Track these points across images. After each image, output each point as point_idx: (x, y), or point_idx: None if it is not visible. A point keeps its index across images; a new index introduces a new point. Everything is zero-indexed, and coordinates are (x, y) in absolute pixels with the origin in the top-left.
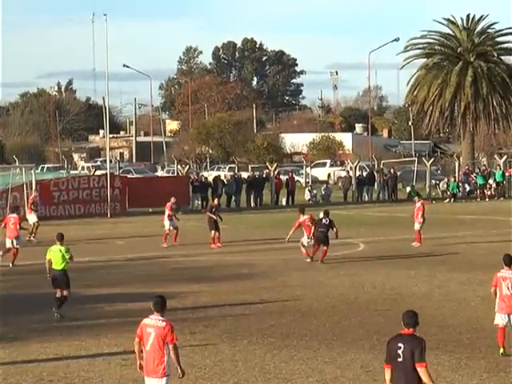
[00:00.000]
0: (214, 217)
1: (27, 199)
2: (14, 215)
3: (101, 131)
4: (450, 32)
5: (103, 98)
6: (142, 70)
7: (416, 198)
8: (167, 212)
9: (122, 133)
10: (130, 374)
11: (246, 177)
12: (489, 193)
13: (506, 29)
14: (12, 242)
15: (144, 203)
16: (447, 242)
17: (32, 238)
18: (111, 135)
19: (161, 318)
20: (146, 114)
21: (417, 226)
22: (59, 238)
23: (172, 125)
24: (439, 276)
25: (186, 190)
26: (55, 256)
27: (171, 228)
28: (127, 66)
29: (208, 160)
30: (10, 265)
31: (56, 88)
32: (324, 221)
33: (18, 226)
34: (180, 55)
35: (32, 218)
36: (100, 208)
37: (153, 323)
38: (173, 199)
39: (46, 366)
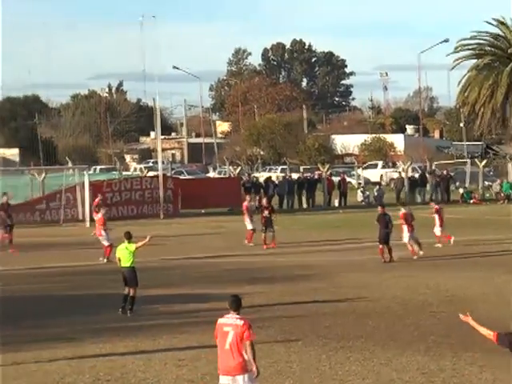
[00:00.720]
0: (271, 216)
1: (81, 200)
2: (99, 215)
3: (152, 132)
4: (500, 33)
5: (154, 100)
6: (192, 72)
7: (432, 203)
8: (245, 212)
9: (173, 134)
10: (186, 374)
11: (296, 178)
12: None
13: None
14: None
15: (196, 204)
16: (503, 243)
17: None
18: (162, 136)
19: (237, 316)
20: (196, 116)
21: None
22: (127, 237)
23: (223, 126)
24: (496, 278)
25: (238, 191)
26: (123, 254)
27: (251, 227)
28: (177, 68)
29: (259, 161)
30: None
31: (107, 89)
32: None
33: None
34: (229, 57)
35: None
36: (152, 209)
37: (230, 322)
38: (248, 197)
39: (103, 367)
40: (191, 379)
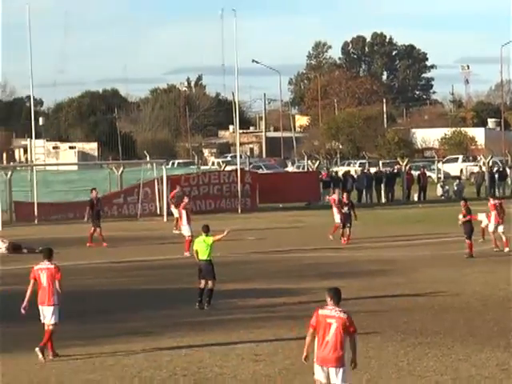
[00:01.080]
0: (351, 212)
1: (158, 194)
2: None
3: (230, 126)
4: None
5: (233, 94)
6: (271, 65)
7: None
8: (334, 205)
9: (251, 128)
10: (263, 369)
11: (374, 172)
12: None
13: None
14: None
15: (274, 199)
16: None
17: (175, 231)
18: (241, 130)
19: (339, 309)
20: (275, 109)
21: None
22: (205, 230)
23: (301, 120)
24: None
25: (316, 185)
26: (200, 247)
27: (338, 221)
28: (256, 62)
29: (338, 155)
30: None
31: (186, 84)
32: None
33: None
34: (309, 50)
35: (175, 211)
36: (230, 203)
37: (333, 314)
38: (337, 190)
39: (180, 361)
40: (268, 374)
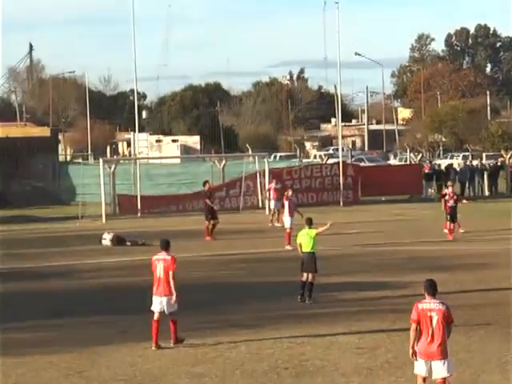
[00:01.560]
0: (457, 205)
1: (260, 188)
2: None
3: (333, 119)
4: None
5: (335, 87)
6: (374, 58)
7: None
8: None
9: (353, 121)
10: (365, 362)
11: (476, 164)
12: None
13: None
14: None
15: (376, 192)
16: None
17: (276, 224)
18: (343, 123)
19: (438, 300)
20: (377, 102)
21: None
22: (308, 223)
23: (404, 113)
24: None
25: (419, 178)
26: (304, 239)
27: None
28: (359, 54)
29: (441, 148)
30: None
31: (288, 77)
32: None
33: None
34: (412, 42)
35: (272, 204)
36: (333, 196)
37: (433, 307)
38: (450, 182)
39: (281, 354)
40: (370, 367)
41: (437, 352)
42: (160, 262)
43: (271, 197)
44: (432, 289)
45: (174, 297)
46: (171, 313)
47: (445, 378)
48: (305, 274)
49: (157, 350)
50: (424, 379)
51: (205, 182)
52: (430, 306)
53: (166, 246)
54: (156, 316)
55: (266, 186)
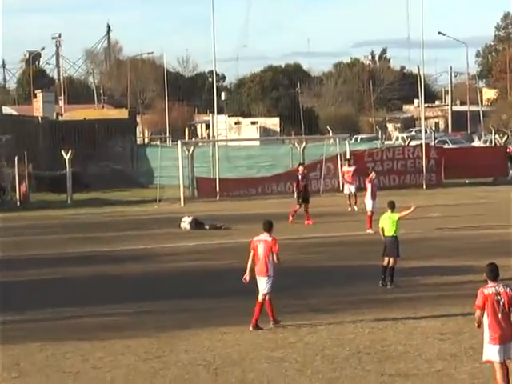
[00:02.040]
0: None
1: (341, 170)
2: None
3: (415, 101)
4: None
5: (418, 67)
6: (458, 37)
7: None
8: None
9: (437, 102)
10: (448, 348)
11: None
12: None
13: None
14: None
15: (460, 174)
16: None
17: (355, 208)
18: (426, 105)
19: (501, 284)
20: (461, 83)
21: None
22: (390, 206)
23: (489, 93)
24: None
25: (504, 160)
26: (386, 223)
27: None
28: (442, 34)
29: None
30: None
31: (369, 57)
32: None
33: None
34: (497, 21)
35: (346, 188)
36: (415, 179)
37: (499, 290)
38: None
39: (363, 339)
40: (454, 353)
41: (509, 335)
42: (261, 243)
43: (346, 180)
44: (493, 273)
45: (269, 278)
46: (264, 293)
47: None
48: (386, 259)
49: (253, 330)
50: (501, 365)
51: (299, 165)
52: (496, 290)
53: (268, 228)
54: (260, 298)
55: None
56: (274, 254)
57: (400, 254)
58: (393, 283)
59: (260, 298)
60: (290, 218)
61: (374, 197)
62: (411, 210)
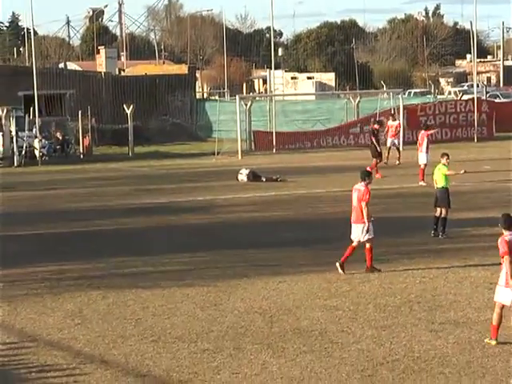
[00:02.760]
0: None
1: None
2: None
3: (468, 56)
4: None
5: (470, 23)
6: None
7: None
8: None
9: (489, 57)
10: None
11: None
12: None
13: None
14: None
15: (511, 128)
16: None
17: (397, 162)
18: (478, 60)
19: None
20: None
21: None
22: (445, 157)
23: None
24: None
25: None
26: (437, 175)
27: None
28: None
29: None
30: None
31: (423, 13)
32: None
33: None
34: None
35: (395, 141)
36: (466, 132)
37: None
38: None
39: (414, 289)
40: None
41: None
42: (355, 192)
43: (389, 134)
44: (507, 223)
45: (366, 225)
46: (365, 241)
47: None
48: (438, 209)
49: (367, 272)
50: (502, 307)
51: (374, 121)
52: None
53: (363, 177)
54: (353, 243)
55: (401, 123)
56: (363, 203)
57: (451, 205)
58: (445, 233)
59: (354, 243)
60: (377, 175)
61: (428, 150)
62: (461, 172)
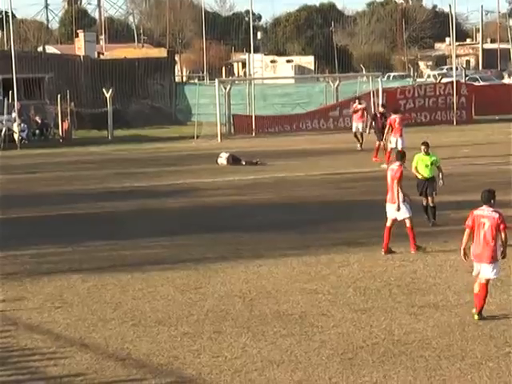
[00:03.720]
0: None
1: (374, 107)
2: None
3: (447, 39)
4: None
5: (449, 6)
6: None
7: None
8: None
9: (468, 40)
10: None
11: None
12: None
13: None
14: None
15: (490, 111)
16: None
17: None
18: (457, 43)
19: (492, 209)
20: (492, 21)
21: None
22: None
23: None
24: None
25: None
26: (420, 164)
27: None
28: None
29: None
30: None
31: None
32: None
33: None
34: None
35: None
36: (446, 115)
37: (486, 214)
38: None
39: (394, 272)
40: None
41: (486, 256)
42: (390, 171)
43: (354, 118)
44: (485, 198)
45: (397, 204)
46: (404, 219)
47: (488, 280)
48: (426, 198)
49: (385, 254)
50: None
51: (381, 105)
52: (483, 213)
53: (399, 157)
54: (388, 222)
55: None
56: (395, 181)
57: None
58: (435, 220)
59: (388, 223)
60: (374, 158)
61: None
62: (440, 180)
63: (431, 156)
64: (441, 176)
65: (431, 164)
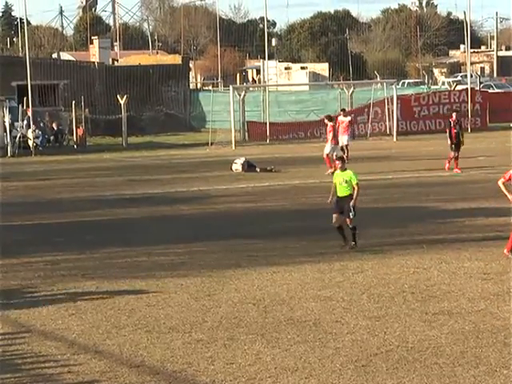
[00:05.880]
0: None
1: (388, 114)
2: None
3: (461, 46)
4: None
5: (464, 13)
6: None
7: None
8: None
9: (482, 47)
10: (491, 288)
11: None
12: None
13: None
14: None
15: (505, 118)
16: None
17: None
18: (472, 50)
19: None
20: (507, 28)
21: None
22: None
23: None
24: None
25: None
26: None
27: None
28: None
29: None
30: None
31: (417, 3)
32: None
33: None
34: None
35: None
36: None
37: None
38: None
39: (408, 279)
40: (497, 293)
41: None
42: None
43: (340, 131)
44: None
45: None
46: None
47: None
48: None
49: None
50: None
51: (453, 111)
52: None
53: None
54: None
55: (395, 113)
56: (500, 181)
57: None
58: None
59: None
60: (447, 165)
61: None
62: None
63: (347, 172)
64: (354, 196)
65: (346, 181)
